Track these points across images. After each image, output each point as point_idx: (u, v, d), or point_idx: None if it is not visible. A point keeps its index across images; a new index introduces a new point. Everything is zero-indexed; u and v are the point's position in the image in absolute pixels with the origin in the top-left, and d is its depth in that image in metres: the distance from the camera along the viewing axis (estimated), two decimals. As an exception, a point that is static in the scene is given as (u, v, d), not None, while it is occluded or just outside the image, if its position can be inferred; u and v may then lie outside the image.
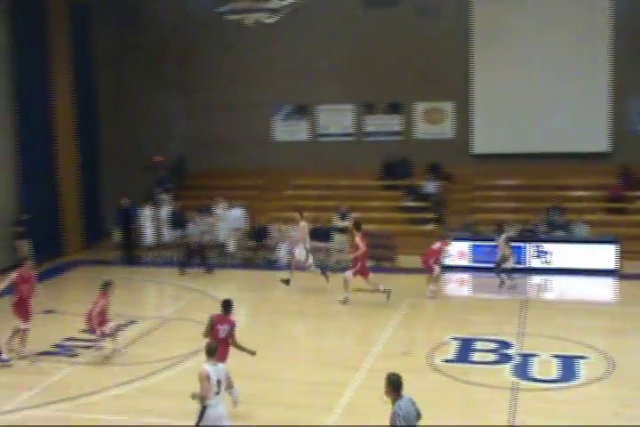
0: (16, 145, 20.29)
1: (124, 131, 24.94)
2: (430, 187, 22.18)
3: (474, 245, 19.04)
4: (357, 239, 16.45)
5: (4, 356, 12.95)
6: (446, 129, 23.63)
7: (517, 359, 12.82)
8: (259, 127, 24.52)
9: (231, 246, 20.53)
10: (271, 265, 20.09)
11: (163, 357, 13.21)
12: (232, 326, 11.08)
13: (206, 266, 19.38)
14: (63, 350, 13.54)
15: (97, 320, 13.03)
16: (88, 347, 13.67)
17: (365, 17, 23.17)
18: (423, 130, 23.85)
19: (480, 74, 22.60)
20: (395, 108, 24.02)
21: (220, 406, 9.09)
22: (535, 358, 12.81)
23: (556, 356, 12.87)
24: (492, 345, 13.56)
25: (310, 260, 17.49)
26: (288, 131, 24.84)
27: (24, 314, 13.46)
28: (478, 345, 13.59)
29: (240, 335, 14.44)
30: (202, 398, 8.92)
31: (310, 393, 11.71)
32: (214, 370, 9.08)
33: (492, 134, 22.69)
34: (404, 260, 19.44)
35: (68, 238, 21.67)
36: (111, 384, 12.00)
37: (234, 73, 24.15)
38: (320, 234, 20.00)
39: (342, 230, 19.85)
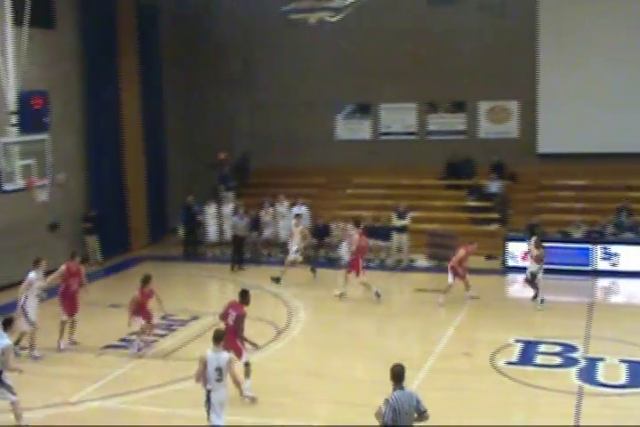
0: (86, 143, 20.79)
1: (188, 129, 25.31)
2: (494, 186, 21.89)
3: (538, 246, 18.69)
4: (356, 236, 16.77)
5: (36, 353, 13.17)
6: (511, 128, 23.31)
7: (583, 363, 12.57)
8: (321, 126, 24.59)
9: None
10: (332, 263, 20.12)
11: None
12: (239, 315, 11.30)
13: (239, 262, 19.62)
14: (129, 344, 13.80)
15: (130, 311, 13.21)
16: (153, 341, 13.91)
17: (429, 14, 22.99)
18: (487, 129, 23.59)
19: (546, 72, 22.18)
20: (458, 107, 23.81)
21: (222, 393, 9.32)
22: (602, 363, 12.54)
23: (624, 361, 12.56)
24: (557, 348, 13.31)
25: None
26: (350, 129, 24.86)
27: (68, 307, 13.76)
28: (542, 348, 13.37)
29: (302, 332, 14.65)
30: (196, 379, 9.35)
31: (371, 392, 11.64)
32: (216, 358, 9.28)
33: (557, 133, 22.27)
34: (467, 260, 19.23)
35: (134, 234, 22.11)
36: (173, 379, 12.18)
37: (297, 72, 24.26)
38: (381, 233, 19.98)
39: (401, 229, 19.74)
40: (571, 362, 12.66)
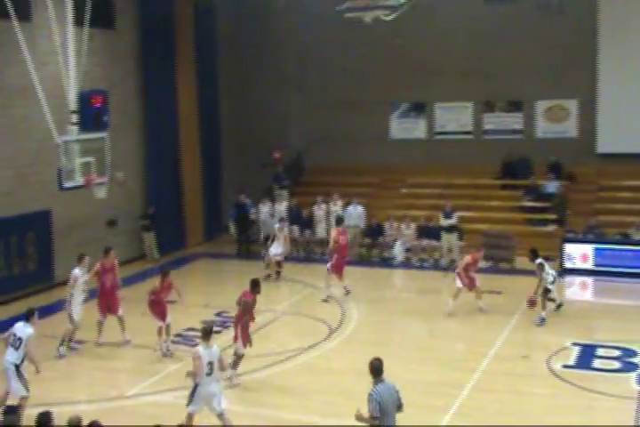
0: (144, 142, 21.11)
1: (243, 127, 25.50)
2: (551, 187, 21.51)
3: (597, 249, 18.34)
4: (334, 234, 16.89)
5: (62, 350, 13.36)
6: (569, 127, 22.87)
7: (643, 368, 12.29)
8: (375, 125, 24.50)
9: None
10: (386, 263, 20.05)
11: (277, 350, 13.40)
12: (246, 301, 11.91)
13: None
14: (184, 340, 13.96)
15: (156, 309, 13.14)
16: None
17: (486, 13, 22.71)
18: (545, 128, 23.18)
19: (606, 70, 21.70)
20: (515, 107, 23.46)
21: (211, 386, 9.64)
22: (663, 368, 12.24)
23: (686, 366, 12.24)
24: (616, 352, 13.03)
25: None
26: (405, 128, 24.71)
27: (102, 305, 13.90)
28: (601, 352, 13.09)
29: (354, 332, 14.61)
30: (193, 376, 9.60)
31: (425, 393, 11.59)
32: (207, 353, 9.65)
33: (617, 133, 21.77)
34: (523, 261, 18.94)
35: (189, 232, 22.38)
36: (228, 375, 12.26)
37: (352, 71, 24.22)
38: (432, 233, 19.83)
39: (449, 229, 19.54)
40: (630, 367, 12.37)
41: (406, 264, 19.88)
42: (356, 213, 20.49)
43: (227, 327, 14.81)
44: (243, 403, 11.21)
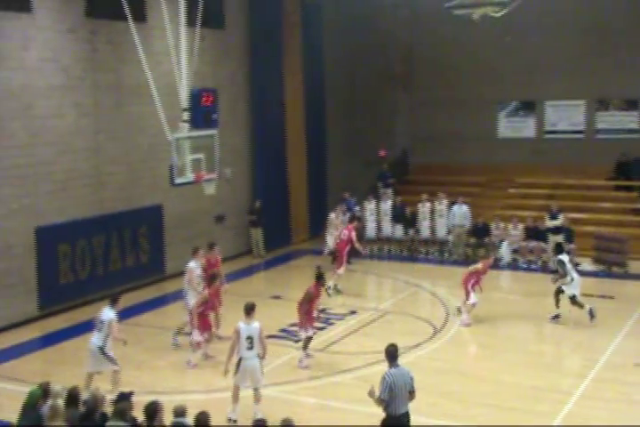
0: (251, 139, 21.47)
1: (348, 125, 25.55)
2: (669, 188, 20.60)
3: None
4: (345, 231, 17.31)
5: (177, 339, 13.62)
6: (690, 126, 21.86)
7: None
8: (483, 123, 24.11)
9: (450, 243, 20.45)
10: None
11: (380, 348, 13.30)
12: (309, 292, 12.59)
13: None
14: (289, 335, 14.11)
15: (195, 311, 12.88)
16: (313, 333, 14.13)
17: (600, 7, 21.91)
18: (663, 127, 22.23)
19: None
20: (631, 105, 22.58)
21: (253, 360, 10.39)
22: None
23: None
24: None
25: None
26: (513, 127, 24.20)
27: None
28: None
29: (459, 333, 14.39)
30: (232, 349, 10.48)
31: (530, 398, 11.30)
32: (247, 328, 10.40)
33: None
34: (637, 266, 18.24)
35: (295, 228, 22.62)
36: (331, 371, 12.33)
37: (459, 69, 23.89)
38: (540, 234, 19.30)
39: (555, 231, 18.92)
40: None
41: (513, 266, 19.44)
42: (460, 213, 20.20)
43: (331, 324, 14.90)
44: (344, 400, 11.21)
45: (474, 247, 20.27)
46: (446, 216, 20.41)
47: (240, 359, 10.44)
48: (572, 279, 14.54)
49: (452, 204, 20.47)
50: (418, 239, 21.06)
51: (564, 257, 14.83)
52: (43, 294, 15.56)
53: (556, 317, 14.71)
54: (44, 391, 8.45)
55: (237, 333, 10.44)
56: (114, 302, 11.43)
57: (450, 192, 21.02)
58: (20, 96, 15.03)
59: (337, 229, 18.83)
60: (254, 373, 10.46)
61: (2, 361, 13.12)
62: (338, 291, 17.19)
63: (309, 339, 12.78)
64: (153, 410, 7.93)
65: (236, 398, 10.58)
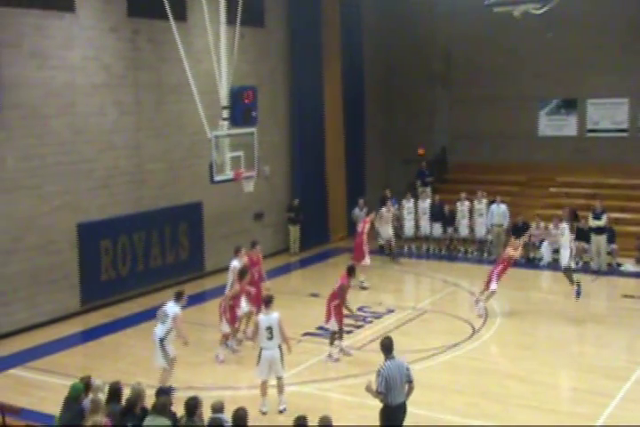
0: (290, 137, 21.52)
1: (387, 123, 25.48)
2: None
3: None
4: (361, 224, 17.65)
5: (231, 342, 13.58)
6: None
7: None
8: (523, 121, 23.84)
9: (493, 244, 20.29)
10: (532, 263, 19.46)
11: (418, 347, 13.30)
12: (343, 284, 12.88)
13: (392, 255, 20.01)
14: (326, 333, 14.11)
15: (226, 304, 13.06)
16: (348, 331, 14.13)
17: (643, 2, 21.56)
18: None
19: None
20: (676, 102, 22.17)
21: (273, 350, 10.74)
22: None
23: None
24: None
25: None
26: (554, 125, 23.88)
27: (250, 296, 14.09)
28: None
29: (498, 333, 14.27)
30: (252, 339, 11.41)
31: (571, 400, 11.20)
32: (267, 319, 10.77)
33: None
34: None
35: (333, 226, 22.63)
36: (367, 370, 12.27)
37: (499, 66, 23.66)
38: (582, 235, 18.99)
39: (598, 231, 18.59)
40: None
41: (554, 266, 19.19)
42: (499, 212, 20.00)
43: (369, 322, 14.88)
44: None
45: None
46: (485, 215, 20.25)
47: (261, 350, 10.79)
48: (571, 249, 14.76)
49: (490, 203, 20.30)
50: (456, 238, 20.93)
51: (567, 226, 15.08)
52: (85, 289, 15.79)
53: (578, 293, 14.90)
54: (86, 385, 8.58)
55: (257, 324, 10.89)
56: (178, 296, 11.49)
57: (489, 191, 20.83)
58: (62, 94, 15.26)
59: (388, 223, 19.60)
60: (275, 363, 10.75)
61: (44, 355, 13.35)
62: (364, 288, 17.24)
63: (335, 334, 12.93)
64: (193, 405, 8.00)
65: (264, 391, 10.82)
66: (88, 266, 15.78)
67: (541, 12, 17.14)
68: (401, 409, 8.71)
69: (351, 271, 13.14)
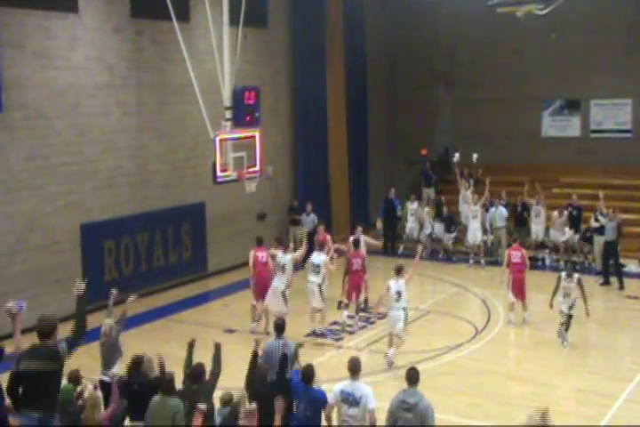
0: (293, 138, 21.53)
1: (390, 124, 25.46)
2: None
3: None
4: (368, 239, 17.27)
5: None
6: None
7: None
8: (526, 122, 23.80)
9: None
10: (534, 264, 19.42)
11: (421, 348, 13.29)
12: (362, 259, 15.00)
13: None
14: (329, 333, 14.12)
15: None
16: (351, 333, 14.14)
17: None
18: None
19: None
20: (680, 103, 22.14)
21: (398, 312, 12.42)
22: None
23: None
24: None
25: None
26: (557, 126, 23.85)
27: (261, 293, 14.13)
28: None
29: (501, 334, 14.22)
30: (379, 302, 13.05)
31: (574, 400, 11.19)
32: (396, 284, 12.44)
33: None
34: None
35: (336, 227, 22.57)
36: (371, 370, 12.27)
37: (502, 66, 23.64)
38: (586, 235, 18.98)
39: (601, 232, 18.47)
40: None
41: (556, 266, 19.15)
42: (500, 215, 19.82)
43: (372, 323, 14.87)
44: (385, 398, 11.15)
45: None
46: (479, 217, 19.90)
47: (389, 310, 12.52)
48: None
49: (490, 205, 20.14)
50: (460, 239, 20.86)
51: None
52: (88, 289, 15.74)
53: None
54: (75, 379, 8.48)
55: (388, 289, 12.47)
56: (322, 246, 14.41)
57: (492, 192, 20.74)
58: (66, 95, 15.28)
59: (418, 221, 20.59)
60: (397, 321, 12.39)
61: (47, 355, 13.32)
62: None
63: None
64: (200, 373, 8.20)
65: (390, 342, 12.62)
66: (91, 266, 15.78)
67: (545, 12, 17.17)
68: (272, 385, 8.61)
69: (354, 243, 15.08)
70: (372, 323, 14.90)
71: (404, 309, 12.48)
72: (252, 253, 14.33)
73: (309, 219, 20.03)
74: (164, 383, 7.90)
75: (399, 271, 12.59)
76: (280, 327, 9.69)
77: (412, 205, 21.05)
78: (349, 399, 7.82)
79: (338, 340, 13.88)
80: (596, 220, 18.54)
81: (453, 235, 20.60)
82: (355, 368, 8.02)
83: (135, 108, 16.78)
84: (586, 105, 23.28)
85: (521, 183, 23.04)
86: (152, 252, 17.15)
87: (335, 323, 14.60)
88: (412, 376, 7.72)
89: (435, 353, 13.09)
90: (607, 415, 10.56)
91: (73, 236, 15.50)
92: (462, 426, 10.42)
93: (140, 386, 8.30)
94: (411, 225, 21.07)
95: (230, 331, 14.27)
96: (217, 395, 8.36)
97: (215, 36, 13.60)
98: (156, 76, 17.18)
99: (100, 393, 8.42)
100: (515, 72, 23.50)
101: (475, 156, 20.73)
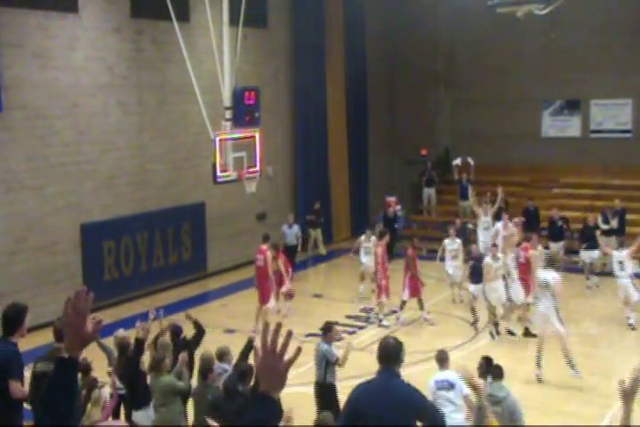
0: (293, 138, 21.52)
1: (390, 125, 25.45)
2: None
3: None
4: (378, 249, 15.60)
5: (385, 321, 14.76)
6: None
7: None
8: (526, 122, 23.79)
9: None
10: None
11: (422, 348, 13.26)
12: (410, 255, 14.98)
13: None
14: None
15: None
16: (351, 333, 14.12)
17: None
18: None
19: None
20: (680, 104, 22.13)
21: (544, 305, 12.05)
22: None
23: None
24: None
25: None
26: (558, 126, 23.85)
27: (267, 293, 14.18)
28: None
29: (504, 335, 14.19)
30: (487, 280, 13.62)
31: (576, 400, 11.17)
32: (544, 277, 12.01)
33: None
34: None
35: (336, 227, 22.62)
36: (370, 371, 12.19)
37: (502, 67, 23.63)
38: (587, 236, 18.91)
39: (608, 233, 18.43)
40: None
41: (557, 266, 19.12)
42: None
43: (372, 323, 14.85)
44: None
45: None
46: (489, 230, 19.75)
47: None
48: None
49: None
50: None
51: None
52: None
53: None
54: (85, 368, 8.48)
55: (490, 266, 13.42)
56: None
57: (492, 192, 20.73)
58: (66, 95, 15.28)
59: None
60: (548, 318, 12.17)
61: (47, 356, 13.32)
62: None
63: (404, 303, 14.88)
64: (207, 369, 8.54)
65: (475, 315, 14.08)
66: (91, 266, 15.78)
67: (545, 12, 17.16)
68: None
69: (413, 243, 15.31)
70: (372, 323, 14.88)
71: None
72: (268, 254, 14.12)
73: (291, 231, 18.56)
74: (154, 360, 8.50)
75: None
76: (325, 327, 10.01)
77: (453, 246, 16.74)
78: (445, 385, 8.76)
79: (339, 340, 13.83)
80: (604, 222, 18.39)
81: None
82: (442, 358, 9.16)
83: (135, 108, 16.77)
84: (586, 105, 23.28)
85: (519, 183, 23.13)
86: (152, 252, 17.14)
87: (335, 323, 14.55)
88: (497, 371, 8.76)
89: (435, 353, 13.03)
90: (609, 415, 10.53)
91: (73, 236, 15.49)
92: (463, 426, 10.37)
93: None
94: (454, 271, 16.69)
95: (230, 331, 14.26)
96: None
97: (215, 36, 13.60)
98: (156, 76, 17.18)
99: (106, 393, 8.38)
100: (515, 72, 23.49)
101: (470, 160, 20.53)
